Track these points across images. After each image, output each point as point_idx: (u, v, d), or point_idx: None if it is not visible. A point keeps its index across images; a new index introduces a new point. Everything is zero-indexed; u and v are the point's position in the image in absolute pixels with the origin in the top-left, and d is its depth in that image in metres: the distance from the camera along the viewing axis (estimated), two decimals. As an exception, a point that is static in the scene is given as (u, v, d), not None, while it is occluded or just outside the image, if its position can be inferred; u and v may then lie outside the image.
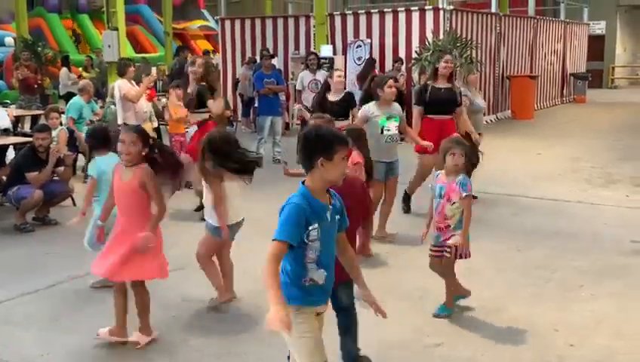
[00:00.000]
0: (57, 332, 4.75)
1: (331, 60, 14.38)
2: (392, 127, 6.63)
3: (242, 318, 4.89)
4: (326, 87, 8.41)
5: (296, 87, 11.53)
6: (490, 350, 4.37)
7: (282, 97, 12.05)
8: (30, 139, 7.70)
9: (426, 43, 13.92)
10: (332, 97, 8.26)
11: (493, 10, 16.93)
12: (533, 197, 8.60)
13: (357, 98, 13.40)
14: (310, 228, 2.91)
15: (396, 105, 6.78)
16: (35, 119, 11.77)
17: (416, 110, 7.57)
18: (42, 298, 5.38)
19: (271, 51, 14.70)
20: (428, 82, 7.60)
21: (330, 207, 3.00)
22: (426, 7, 15.14)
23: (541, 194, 8.67)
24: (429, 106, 7.46)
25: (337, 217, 3.06)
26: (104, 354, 4.39)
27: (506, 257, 6.26)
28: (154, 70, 9.65)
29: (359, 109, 7.00)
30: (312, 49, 15.27)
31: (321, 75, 11.48)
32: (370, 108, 6.66)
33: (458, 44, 13.50)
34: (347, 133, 3.87)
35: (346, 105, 8.26)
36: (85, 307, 5.21)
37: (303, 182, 2.98)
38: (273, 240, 2.87)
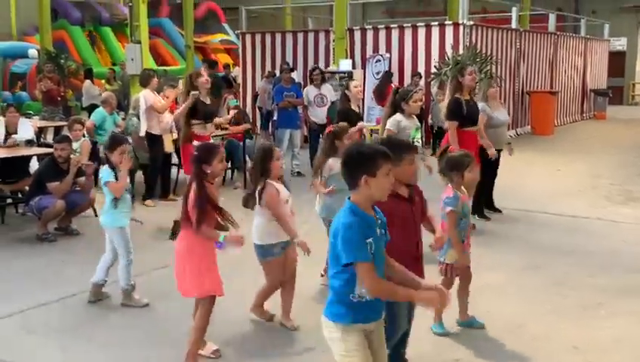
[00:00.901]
0: (78, 341, 4.80)
1: (350, 74, 14.44)
2: (418, 139, 6.69)
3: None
4: (346, 99, 8.48)
5: (304, 102, 11.58)
6: (508, 366, 4.37)
7: (301, 110, 12.12)
8: (52, 149, 7.81)
9: (446, 58, 13.96)
10: (354, 107, 8.36)
11: (513, 25, 16.93)
12: (552, 213, 8.56)
13: (374, 112, 13.46)
14: (367, 241, 2.89)
15: (415, 118, 6.83)
16: (57, 130, 11.92)
17: (453, 125, 7.36)
18: (63, 307, 5.44)
19: (290, 65, 14.79)
20: (458, 96, 7.43)
21: (379, 220, 3.00)
22: (446, 23, 15.18)
23: (560, 211, 8.63)
24: (466, 120, 7.39)
25: (382, 231, 3.04)
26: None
27: (524, 274, 6.23)
28: (180, 83, 9.71)
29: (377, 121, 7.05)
30: (331, 63, 15.36)
31: (326, 89, 11.54)
32: (399, 119, 6.65)
33: (478, 60, 13.51)
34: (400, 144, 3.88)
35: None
36: (106, 316, 5.27)
37: (349, 198, 2.98)
38: (353, 263, 2.85)
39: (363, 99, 12.22)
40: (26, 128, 8.88)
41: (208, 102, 8.16)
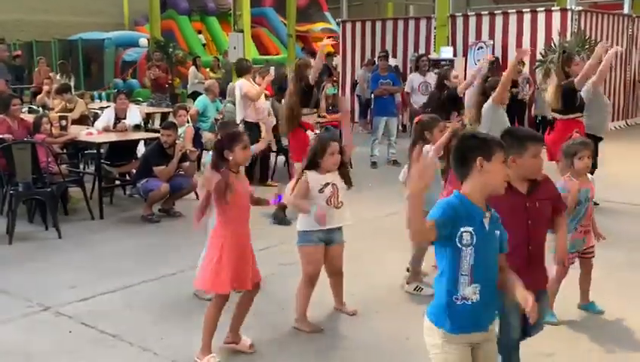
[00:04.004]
0: (176, 317, 5.01)
1: (451, 62, 14.21)
2: None
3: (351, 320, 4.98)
4: (442, 88, 8.40)
5: (405, 90, 11.52)
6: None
7: (398, 98, 12.06)
8: (158, 135, 8.15)
9: (552, 45, 13.49)
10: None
11: (625, 11, 16.12)
12: (660, 207, 8.16)
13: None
14: (462, 229, 2.75)
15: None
16: (164, 116, 12.40)
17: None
18: (164, 285, 5.69)
19: (390, 53, 14.71)
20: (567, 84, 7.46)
21: (488, 214, 2.82)
22: (553, 8, 14.64)
23: (670, 205, 8.20)
24: (577, 108, 7.48)
25: (497, 232, 2.86)
26: (219, 341, 4.58)
27: (625, 269, 5.99)
28: (272, 69, 9.88)
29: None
30: (432, 50, 15.17)
31: (431, 77, 11.42)
32: (490, 107, 6.64)
33: (586, 47, 12.98)
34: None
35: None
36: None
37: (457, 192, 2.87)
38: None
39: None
40: (135, 114, 9.29)
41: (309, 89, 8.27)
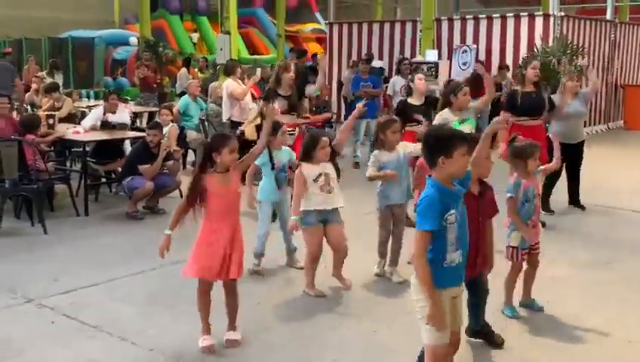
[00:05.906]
0: (157, 310, 5.19)
1: (436, 65, 14.43)
2: (466, 129, 6.38)
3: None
4: (408, 91, 8.43)
5: (388, 92, 11.67)
6: (561, 355, 4.42)
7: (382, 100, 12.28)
8: (144, 134, 8.31)
9: (535, 49, 13.73)
10: (414, 101, 8.09)
11: (608, 17, 16.39)
12: (635, 210, 8.36)
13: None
14: (448, 213, 3.22)
15: (472, 110, 6.84)
16: (151, 115, 12.55)
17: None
18: (146, 279, 5.87)
19: (376, 56, 14.93)
20: (517, 87, 7.84)
21: (458, 193, 3.32)
22: (536, 13, 14.89)
23: (645, 208, 8.42)
24: (520, 111, 7.61)
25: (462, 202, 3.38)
26: (199, 332, 4.75)
27: (596, 268, 6.18)
28: (258, 71, 10.10)
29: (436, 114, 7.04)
30: (417, 54, 15.38)
31: None
32: (444, 115, 6.72)
33: (568, 52, 13.22)
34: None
35: (428, 108, 8.13)
36: (184, 289, 5.60)
37: (430, 176, 3.31)
38: (418, 230, 3.22)
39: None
40: (123, 114, 9.49)
41: (287, 93, 8.04)
